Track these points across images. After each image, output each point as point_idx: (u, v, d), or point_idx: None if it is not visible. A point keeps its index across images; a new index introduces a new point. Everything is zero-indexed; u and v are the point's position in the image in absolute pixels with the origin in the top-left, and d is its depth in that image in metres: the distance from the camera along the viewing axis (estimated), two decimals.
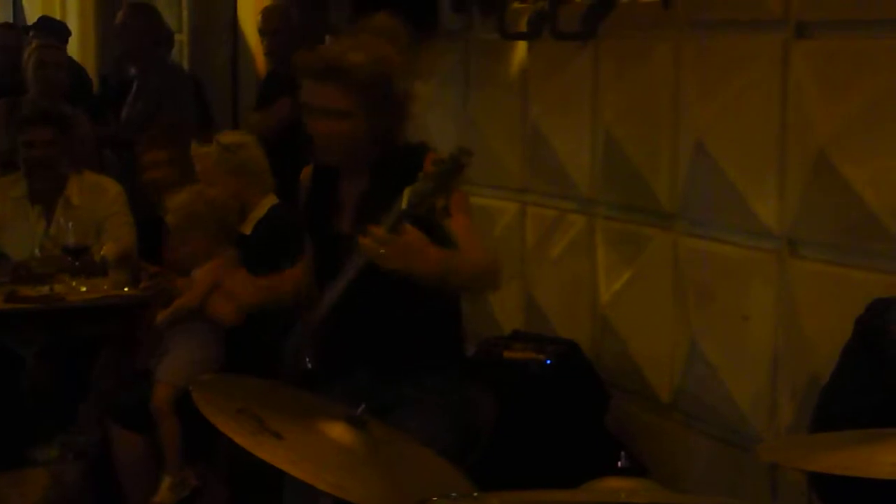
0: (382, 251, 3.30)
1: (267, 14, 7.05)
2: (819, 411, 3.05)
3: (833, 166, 3.79)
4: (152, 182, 5.66)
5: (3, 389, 5.69)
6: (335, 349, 3.78)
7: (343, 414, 2.67)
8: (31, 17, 10.21)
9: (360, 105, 3.64)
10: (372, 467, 2.63)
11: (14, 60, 7.55)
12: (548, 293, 5.28)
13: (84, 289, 5.38)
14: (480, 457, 3.84)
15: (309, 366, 3.79)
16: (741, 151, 4.18)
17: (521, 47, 5.33)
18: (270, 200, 5.01)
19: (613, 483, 2.44)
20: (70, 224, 5.52)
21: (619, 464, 2.46)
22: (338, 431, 2.62)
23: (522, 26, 5.14)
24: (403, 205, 3.26)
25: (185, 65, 8.83)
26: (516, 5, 5.25)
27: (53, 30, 8.57)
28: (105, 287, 5.41)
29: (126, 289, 5.39)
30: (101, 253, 5.55)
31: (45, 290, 5.33)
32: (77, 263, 5.47)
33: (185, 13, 9.05)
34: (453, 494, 2.44)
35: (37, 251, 5.69)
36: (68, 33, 8.78)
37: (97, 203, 5.77)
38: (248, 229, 4.96)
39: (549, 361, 4.73)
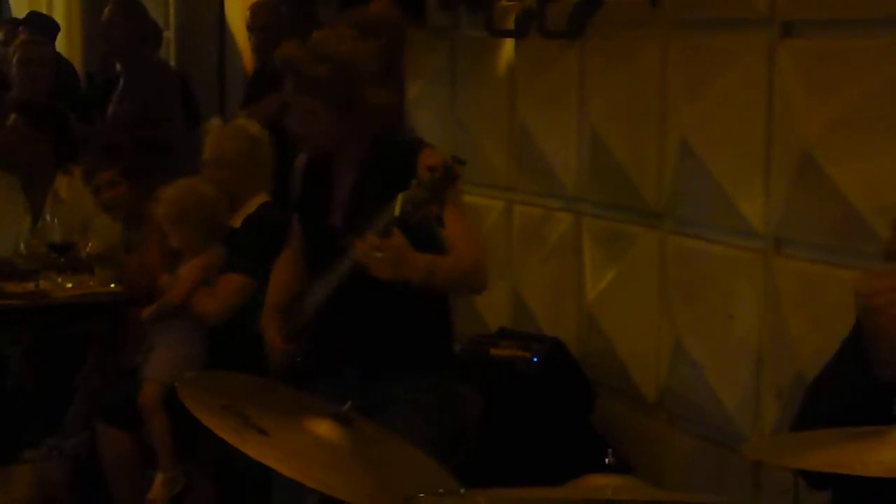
0: (377, 255, 3.31)
1: (255, 10, 7.04)
2: (807, 406, 3.05)
3: (818, 166, 3.80)
4: (107, 202, 5.62)
5: None
6: (323, 347, 3.79)
7: (330, 411, 2.67)
8: (18, 12, 10.18)
9: (321, 106, 3.65)
10: (359, 464, 2.63)
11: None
12: (534, 291, 5.28)
13: (70, 285, 5.37)
14: (467, 454, 3.85)
15: (298, 360, 3.79)
16: (727, 150, 4.19)
17: (508, 45, 5.33)
18: (262, 198, 5.01)
19: (599, 480, 2.45)
20: (56, 220, 5.51)
21: (607, 461, 2.46)
22: (325, 428, 2.62)
23: (510, 24, 5.14)
24: (396, 212, 3.27)
25: (172, 62, 8.81)
26: (504, 3, 5.25)
27: (42, 25, 8.55)
28: (91, 284, 5.40)
29: (112, 285, 5.38)
30: (87, 250, 5.54)
31: (30, 286, 5.32)
32: (63, 260, 5.46)
33: (171, 10, 9.04)
34: (440, 491, 2.44)
35: (22, 247, 5.67)
36: (57, 29, 8.75)
37: (86, 198, 5.75)
38: (237, 222, 4.96)
39: (535, 359, 4.74)
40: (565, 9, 4.83)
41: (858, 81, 3.69)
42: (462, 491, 2.42)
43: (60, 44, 9.10)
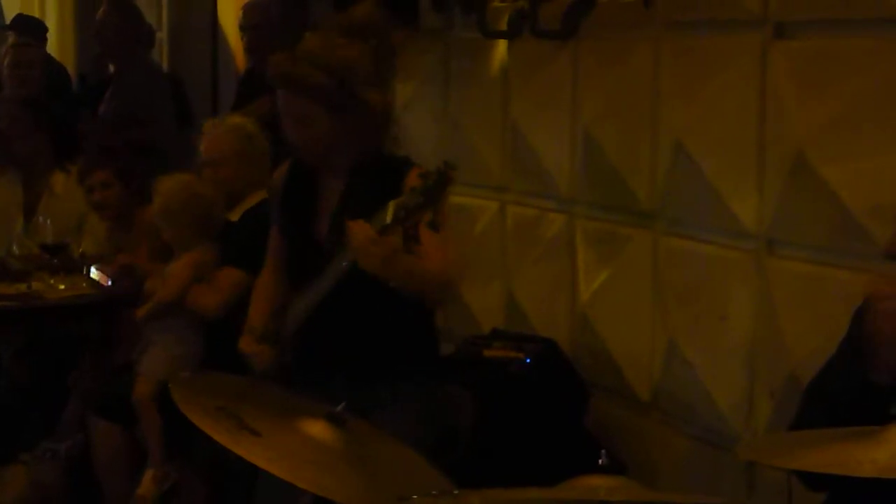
0: (371, 249, 3.33)
1: (248, 9, 7.03)
2: (806, 407, 3.05)
3: (811, 166, 3.80)
4: (99, 203, 5.59)
5: None
6: (310, 353, 3.79)
7: (323, 412, 2.67)
8: (9, 13, 10.16)
9: (322, 112, 3.65)
10: (351, 465, 2.64)
11: None
12: (527, 292, 5.28)
13: (62, 287, 5.36)
14: (461, 455, 3.85)
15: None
16: (720, 151, 4.19)
17: (501, 46, 5.33)
18: (262, 194, 5.01)
19: (592, 481, 2.45)
20: (48, 221, 5.50)
21: (600, 462, 2.47)
22: (317, 429, 2.62)
23: (503, 25, 5.14)
24: (388, 219, 3.29)
25: (165, 63, 8.80)
26: (496, 4, 5.25)
27: (30, 27, 8.53)
28: (84, 285, 5.39)
29: (108, 283, 5.36)
30: (80, 250, 5.54)
31: (22, 287, 5.31)
32: (55, 261, 5.45)
33: (164, 11, 9.03)
34: (434, 492, 2.45)
35: (14, 248, 5.67)
36: (45, 30, 8.74)
37: (80, 197, 5.74)
38: (235, 216, 4.95)
39: (528, 360, 4.73)
40: (558, 9, 4.83)
41: (850, 81, 3.70)
42: (455, 492, 2.43)
43: (53, 45, 9.09)
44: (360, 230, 3.36)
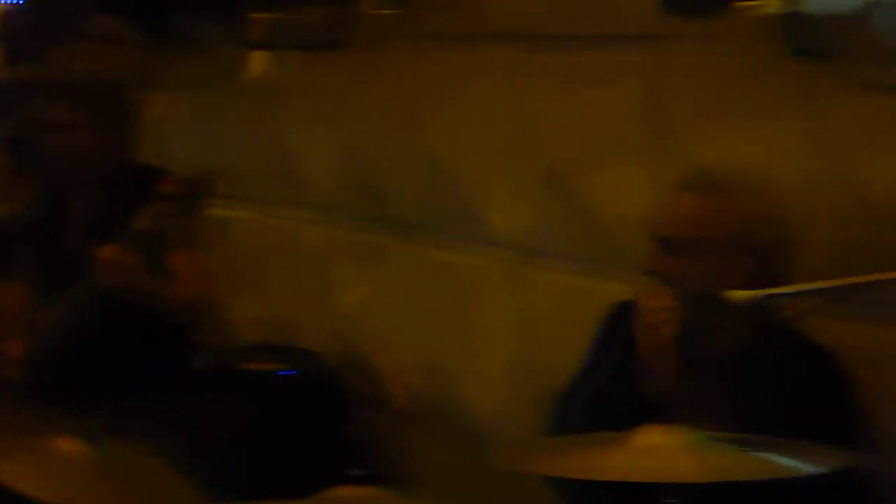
0: (116, 266, 3.28)
1: (4, 18, 6.83)
2: (557, 410, 3.11)
3: (563, 177, 3.87)
4: None
5: None
6: (60, 369, 3.71)
7: (72, 427, 2.62)
8: None
9: (88, 116, 3.59)
10: (102, 480, 2.59)
11: None
12: (288, 304, 5.26)
13: None
14: (221, 468, 3.80)
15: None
16: (475, 163, 4.24)
17: (262, 57, 5.30)
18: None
19: (345, 492, 2.44)
20: None
21: (353, 472, 2.46)
22: (66, 445, 2.56)
23: (264, 36, 5.12)
24: (140, 226, 3.24)
25: None
26: (258, 15, 5.22)
27: None
28: None
29: None
30: None
31: None
32: None
33: None
34: None
35: None
36: None
37: None
38: None
39: (289, 372, 4.71)
40: (321, 21, 4.82)
41: (601, 94, 3.78)
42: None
43: None
44: (107, 254, 3.31)
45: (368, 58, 4.79)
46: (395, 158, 4.62)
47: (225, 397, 4.13)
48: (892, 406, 2.99)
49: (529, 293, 4.08)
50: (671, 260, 2.89)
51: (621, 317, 3.03)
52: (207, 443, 3.77)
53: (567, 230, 3.92)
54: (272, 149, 5.27)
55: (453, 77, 4.33)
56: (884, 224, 2.97)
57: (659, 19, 3.58)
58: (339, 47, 4.84)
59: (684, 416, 2.15)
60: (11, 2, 6.75)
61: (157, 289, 3.42)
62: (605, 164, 3.77)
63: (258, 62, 5.34)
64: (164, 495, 2.66)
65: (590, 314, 3.27)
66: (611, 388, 2.89)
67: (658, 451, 2.08)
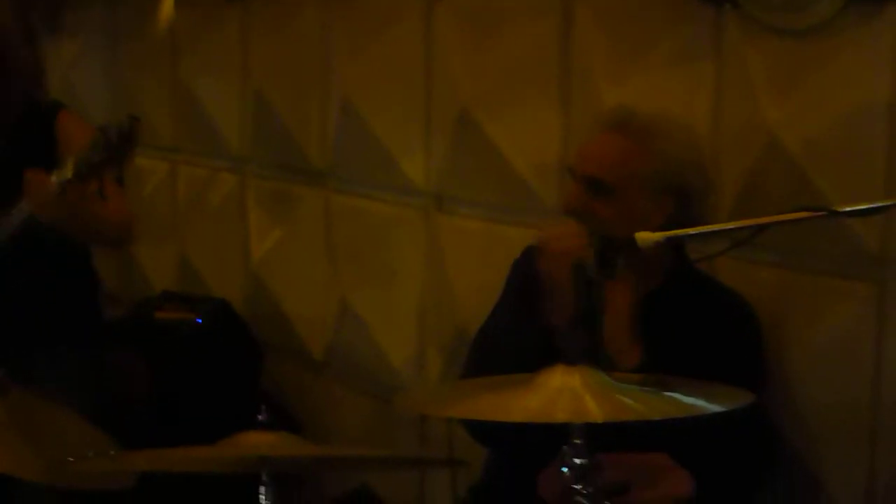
0: (52, 201, 3.27)
1: None
2: (473, 353, 3.12)
3: (476, 124, 3.87)
4: None
5: None
6: None
7: None
8: None
9: None
10: (14, 432, 2.57)
11: None
12: (200, 253, 5.23)
13: None
14: (136, 418, 3.80)
15: None
16: (388, 109, 4.22)
17: (169, 3, 5.25)
18: None
19: (254, 438, 2.44)
20: None
21: (259, 418, 2.46)
22: None
23: None
24: (69, 174, 3.22)
25: None
26: None
27: None
28: None
29: None
30: None
31: None
32: None
33: None
34: (90, 453, 2.41)
35: None
36: None
37: None
38: None
39: (200, 321, 4.70)
40: None
41: (512, 41, 3.77)
42: (112, 453, 2.39)
43: None
44: (37, 181, 3.29)
45: (277, 5, 4.75)
46: (307, 106, 4.59)
47: (136, 346, 4.11)
48: (796, 348, 3.04)
49: (443, 239, 4.09)
50: (591, 200, 2.89)
51: (532, 258, 3.04)
52: (117, 392, 3.76)
53: (480, 176, 3.92)
54: (181, 97, 5.23)
55: (365, 23, 4.31)
56: (791, 168, 3.00)
57: None
58: None
59: (591, 355, 2.16)
60: None
61: (94, 210, 3.39)
62: (516, 112, 3.77)
63: (167, 10, 5.28)
64: (75, 445, 2.65)
65: (503, 260, 3.28)
66: (520, 326, 2.89)
67: (564, 392, 2.09)
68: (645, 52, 3.38)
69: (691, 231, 2.46)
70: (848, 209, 2.22)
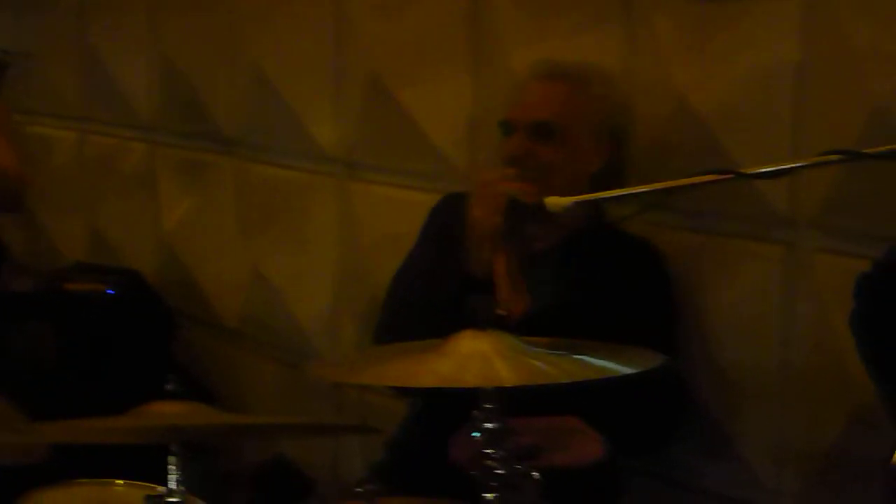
0: None
1: None
2: (388, 299, 3.12)
3: (387, 90, 3.85)
4: None
5: None
6: None
7: None
8: None
9: None
10: None
11: None
12: (111, 223, 5.18)
13: None
14: (42, 389, 3.75)
15: None
16: (299, 76, 4.20)
17: None
18: None
19: (163, 407, 2.42)
20: None
21: (167, 387, 2.44)
22: None
23: None
24: None
25: None
26: None
27: None
28: None
29: None
30: None
31: None
32: None
33: None
34: None
35: None
36: None
37: None
38: None
39: (111, 291, 4.65)
40: None
41: (422, 7, 3.76)
42: (20, 425, 2.35)
43: None
44: None
45: None
46: (218, 74, 4.55)
47: (45, 318, 4.07)
48: (710, 308, 3.06)
49: (355, 206, 4.07)
50: (535, 146, 2.90)
51: (450, 206, 3.04)
52: (30, 365, 3.71)
53: (392, 142, 3.91)
54: (89, 65, 5.16)
55: None
56: (701, 130, 3.01)
57: None
58: None
59: (507, 306, 2.16)
60: None
61: None
62: (426, 77, 3.75)
63: None
64: None
65: (416, 225, 3.28)
66: (436, 273, 2.88)
67: (474, 356, 2.09)
68: (555, 16, 3.38)
69: (601, 195, 2.47)
70: (755, 171, 2.22)
